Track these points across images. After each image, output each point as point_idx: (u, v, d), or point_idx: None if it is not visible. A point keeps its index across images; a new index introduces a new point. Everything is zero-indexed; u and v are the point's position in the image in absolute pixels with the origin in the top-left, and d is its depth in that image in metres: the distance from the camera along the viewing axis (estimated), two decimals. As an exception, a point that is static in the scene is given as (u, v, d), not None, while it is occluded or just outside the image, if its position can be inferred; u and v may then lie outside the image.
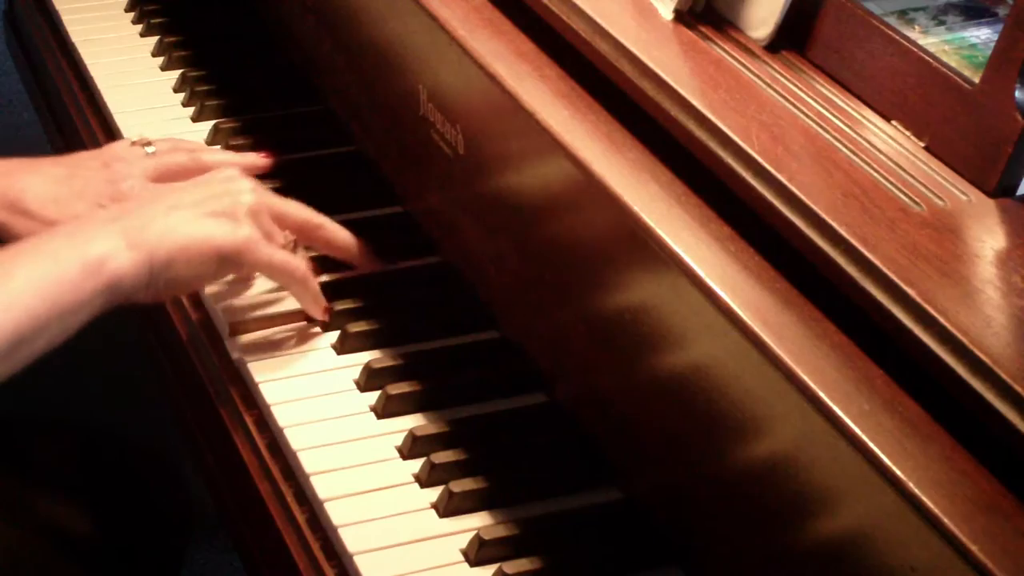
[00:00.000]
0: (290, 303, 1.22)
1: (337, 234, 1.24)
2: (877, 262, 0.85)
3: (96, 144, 1.41)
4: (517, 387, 1.14)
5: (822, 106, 1.00)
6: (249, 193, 1.18)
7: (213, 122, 1.44)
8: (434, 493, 1.05)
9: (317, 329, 1.20)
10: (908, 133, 0.97)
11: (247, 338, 1.19)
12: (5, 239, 1.27)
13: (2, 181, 1.28)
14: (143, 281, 1.11)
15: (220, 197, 1.16)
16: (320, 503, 1.04)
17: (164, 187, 1.21)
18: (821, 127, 0.98)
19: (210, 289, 1.23)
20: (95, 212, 1.17)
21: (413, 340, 1.18)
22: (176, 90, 1.51)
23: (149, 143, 1.33)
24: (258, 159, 1.37)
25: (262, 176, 1.36)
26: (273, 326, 1.21)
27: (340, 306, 1.20)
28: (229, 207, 1.16)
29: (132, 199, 1.26)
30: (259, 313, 1.21)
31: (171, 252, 1.12)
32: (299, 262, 1.19)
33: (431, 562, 1.00)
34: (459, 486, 1.04)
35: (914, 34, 1.04)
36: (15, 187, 1.27)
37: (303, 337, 1.19)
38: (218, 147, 1.41)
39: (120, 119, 1.46)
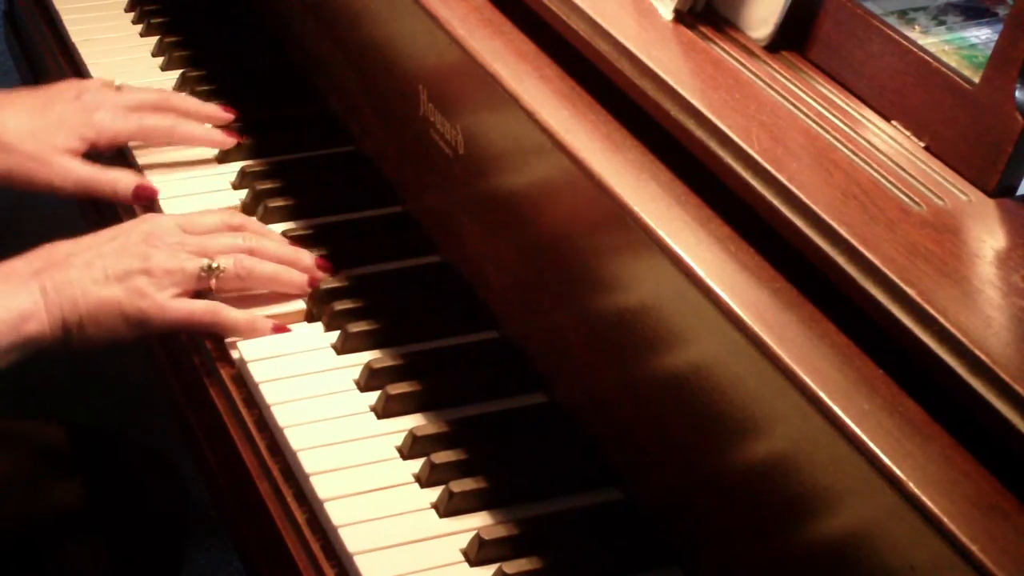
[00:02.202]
0: (290, 303, 1.22)
1: (242, 270, 1.22)
2: (877, 262, 0.85)
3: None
4: (517, 387, 1.14)
5: (822, 106, 1.00)
6: (162, 254, 1.17)
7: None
8: (434, 493, 1.05)
9: (318, 329, 1.20)
10: (908, 133, 0.97)
11: (247, 338, 1.19)
12: None
13: None
14: (58, 341, 1.14)
15: (132, 259, 1.17)
16: (320, 503, 1.04)
17: (87, 238, 1.21)
18: (821, 127, 0.98)
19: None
20: (14, 262, 1.17)
21: (413, 340, 1.18)
22: (176, 90, 1.51)
23: (119, 87, 1.39)
24: (220, 112, 1.41)
25: (261, 175, 1.36)
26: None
27: (340, 306, 1.20)
28: (139, 269, 1.16)
29: (106, 129, 1.33)
30: (259, 314, 1.21)
31: (83, 316, 1.15)
32: (206, 308, 1.17)
33: (431, 562, 1.00)
34: (459, 486, 1.04)
35: (914, 34, 1.04)
36: None
37: (303, 337, 1.19)
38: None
39: (120, 119, 1.46)
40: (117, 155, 1.42)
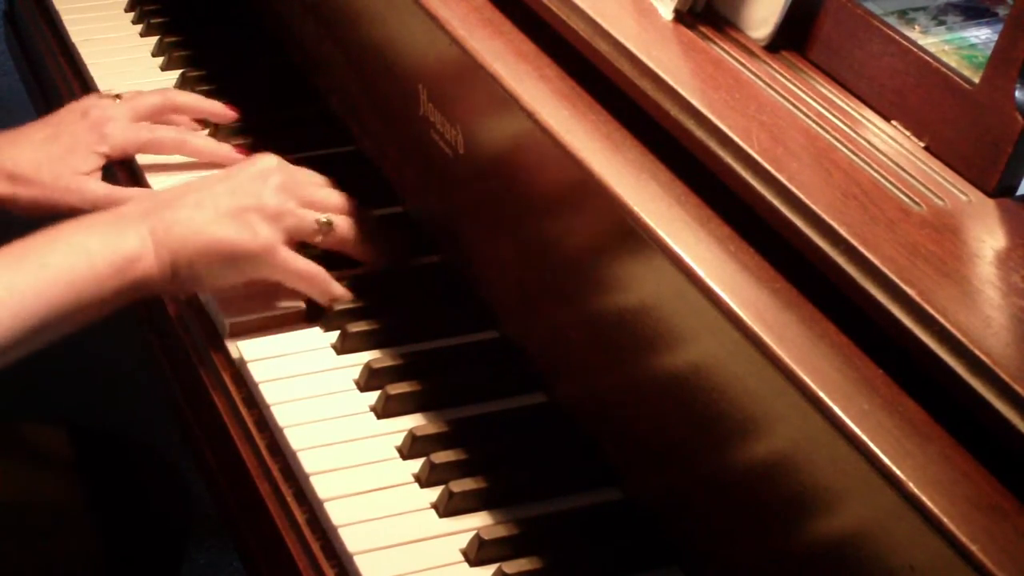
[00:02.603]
0: (290, 303, 1.22)
1: (348, 232, 1.24)
2: (877, 262, 0.85)
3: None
4: (517, 387, 1.14)
5: (822, 106, 1.00)
6: (273, 193, 1.18)
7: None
8: (434, 493, 1.05)
9: (317, 329, 1.20)
10: (908, 133, 0.97)
11: (247, 338, 1.19)
12: (12, 210, 1.31)
13: None
14: (167, 281, 1.14)
15: (244, 197, 1.17)
16: (320, 503, 1.04)
17: (196, 181, 1.22)
18: (821, 127, 0.98)
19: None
20: (123, 207, 1.17)
21: (413, 340, 1.18)
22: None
23: (118, 95, 1.38)
24: (224, 110, 1.41)
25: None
26: (273, 326, 1.20)
27: (340, 306, 1.20)
28: (254, 206, 1.16)
29: (118, 142, 1.33)
30: (259, 315, 1.21)
31: (193, 255, 1.14)
32: (315, 272, 1.19)
33: (431, 562, 1.00)
34: (459, 486, 1.04)
35: (914, 34, 1.04)
36: (7, 160, 1.32)
37: (303, 337, 1.19)
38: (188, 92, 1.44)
39: (120, 119, 1.46)
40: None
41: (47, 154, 1.32)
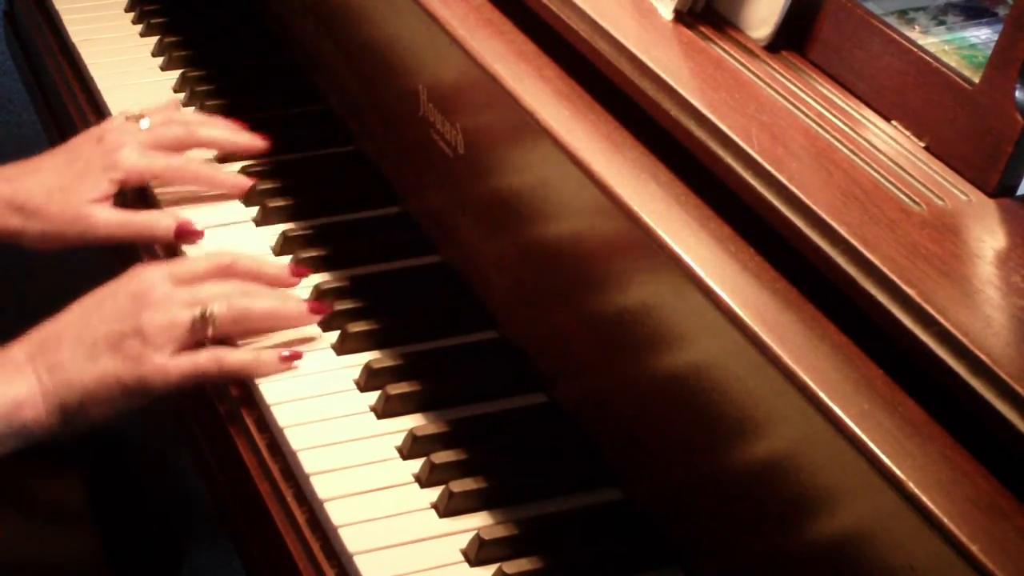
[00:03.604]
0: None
1: (250, 267, 1.21)
2: (877, 262, 0.85)
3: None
4: (517, 387, 1.14)
5: (822, 106, 1.00)
6: (154, 310, 1.13)
7: (213, 122, 1.44)
8: (434, 493, 1.05)
9: (317, 329, 1.20)
10: (908, 133, 0.97)
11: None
12: (22, 244, 1.28)
13: (6, 187, 1.29)
14: (56, 426, 1.12)
15: (123, 321, 1.13)
16: (320, 503, 1.04)
17: (76, 307, 1.16)
18: (821, 127, 0.98)
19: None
20: (10, 349, 1.13)
21: (413, 340, 1.18)
22: (176, 90, 1.51)
23: (143, 116, 1.34)
24: (253, 141, 1.36)
25: (261, 175, 1.36)
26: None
27: (340, 306, 1.20)
28: (132, 330, 1.12)
29: (131, 168, 1.29)
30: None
31: (81, 397, 1.12)
32: (209, 359, 1.13)
33: (431, 562, 1.00)
34: (459, 486, 1.04)
35: (914, 34, 1.04)
36: (21, 190, 1.28)
37: (303, 338, 1.19)
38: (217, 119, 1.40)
39: (120, 119, 1.46)
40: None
41: (58, 183, 1.29)
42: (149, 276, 1.16)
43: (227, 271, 1.19)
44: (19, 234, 1.29)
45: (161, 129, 1.34)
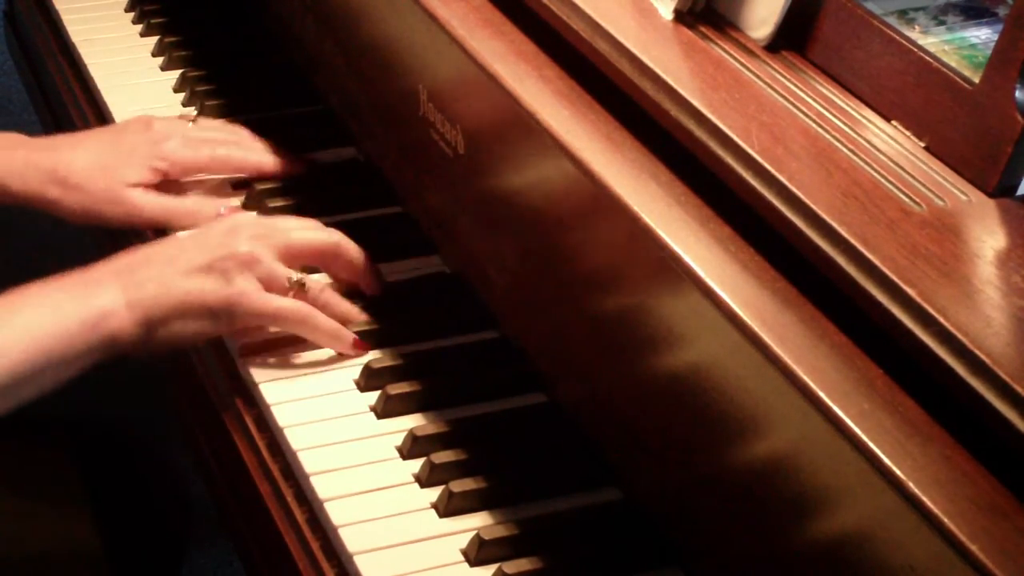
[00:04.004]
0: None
1: (353, 257, 1.21)
2: (877, 262, 0.85)
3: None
4: (517, 387, 1.14)
5: (822, 106, 1.00)
6: (246, 242, 1.15)
7: (213, 122, 1.44)
8: (434, 493, 1.05)
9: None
10: (908, 133, 0.97)
11: (247, 338, 1.19)
12: (60, 214, 1.29)
13: (49, 156, 1.30)
14: (140, 339, 1.12)
15: (215, 249, 1.14)
16: (320, 503, 1.04)
17: (168, 239, 1.20)
18: (821, 127, 0.98)
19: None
20: (95, 266, 1.14)
21: (413, 340, 1.18)
22: (176, 90, 1.51)
23: (194, 120, 1.36)
24: (293, 166, 1.37)
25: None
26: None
27: (340, 306, 1.20)
28: (223, 259, 1.13)
29: (176, 159, 1.30)
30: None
31: (166, 311, 1.12)
32: (297, 307, 1.15)
33: (431, 562, 1.00)
34: (459, 486, 1.04)
35: (914, 34, 1.04)
36: (62, 161, 1.29)
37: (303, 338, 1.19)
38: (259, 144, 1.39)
39: (120, 119, 1.46)
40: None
41: (102, 162, 1.29)
42: (251, 217, 1.19)
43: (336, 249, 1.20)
44: (56, 204, 1.29)
45: (209, 131, 1.35)
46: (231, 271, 1.13)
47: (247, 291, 1.13)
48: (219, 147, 1.34)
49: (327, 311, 1.17)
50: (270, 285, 1.15)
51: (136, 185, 1.29)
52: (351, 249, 1.21)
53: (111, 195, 1.29)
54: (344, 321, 1.18)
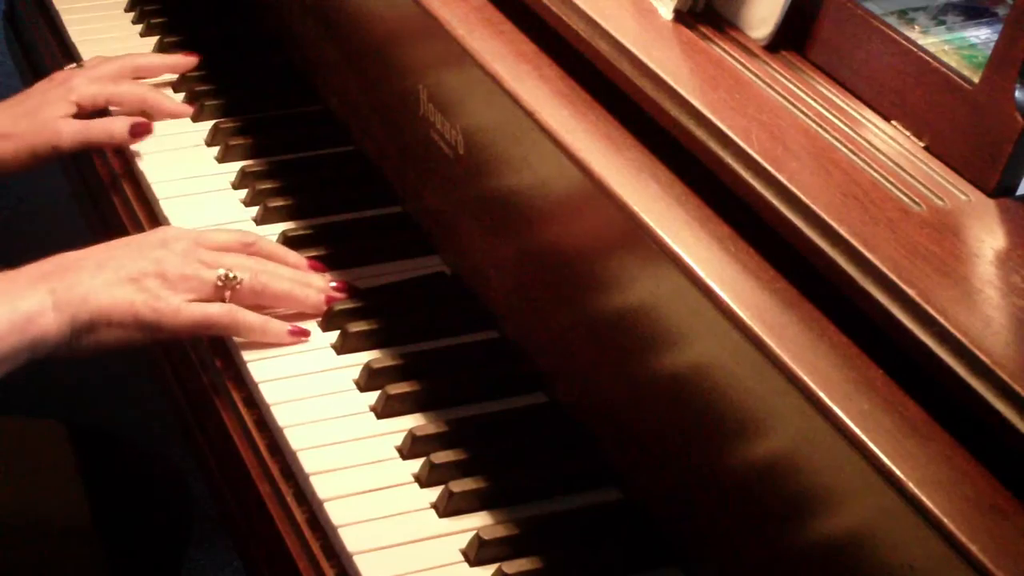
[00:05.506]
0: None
1: (272, 251, 1.23)
2: (877, 262, 0.85)
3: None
4: (517, 387, 1.14)
5: (822, 106, 1.00)
6: (175, 258, 1.16)
7: (213, 122, 1.44)
8: (434, 493, 1.05)
9: (317, 329, 1.20)
10: (908, 133, 0.97)
11: (262, 341, 1.18)
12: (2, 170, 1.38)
13: None
14: (66, 342, 1.13)
15: (146, 261, 1.16)
16: (320, 503, 1.04)
17: (98, 246, 1.20)
18: (821, 127, 0.98)
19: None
20: (24, 268, 1.16)
21: (413, 340, 1.18)
22: (175, 90, 1.51)
23: (81, 63, 1.49)
24: (183, 59, 1.50)
25: (261, 175, 1.36)
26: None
27: (340, 306, 1.20)
28: (154, 272, 1.15)
29: (85, 92, 1.41)
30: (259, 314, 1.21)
31: (93, 317, 1.13)
32: (222, 313, 1.16)
33: (431, 562, 1.00)
34: (459, 486, 1.04)
35: (914, 34, 1.04)
36: None
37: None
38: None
39: (120, 119, 1.46)
40: (116, 152, 1.42)
41: (22, 110, 1.40)
42: (177, 231, 1.22)
43: (250, 248, 1.22)
44: None
45: (100, 65, 1.46)
46: (159, 286, 1.15)
47: (173, 304, 1.15)
48: (122, 83, 1.45)
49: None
50: (201, 292, 1.16)
51: (57, 118, 1.39)
52: (269, 243, 1.24)
53: (35, 129, 1.38)
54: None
